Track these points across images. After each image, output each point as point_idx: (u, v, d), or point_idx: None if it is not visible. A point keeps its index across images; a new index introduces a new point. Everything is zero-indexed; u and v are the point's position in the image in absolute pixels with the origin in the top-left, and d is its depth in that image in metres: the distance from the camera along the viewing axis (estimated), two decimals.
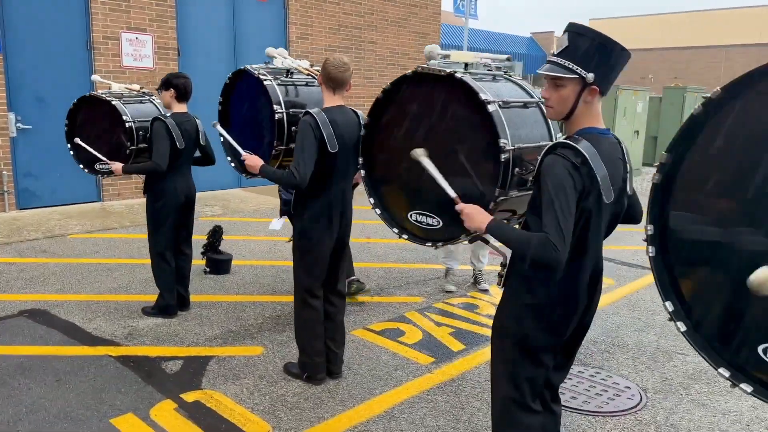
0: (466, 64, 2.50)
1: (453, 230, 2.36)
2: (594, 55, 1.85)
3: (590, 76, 1.86)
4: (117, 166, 4.19)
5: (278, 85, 3.41)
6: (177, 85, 4.21)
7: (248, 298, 4.99)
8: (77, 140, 4.18)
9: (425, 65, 2.45)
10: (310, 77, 3.53)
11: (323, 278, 3.50)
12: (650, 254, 1.83)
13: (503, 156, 2.17)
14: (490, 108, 2.19)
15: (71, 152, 4.35)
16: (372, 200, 2.68)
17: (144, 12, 8.49)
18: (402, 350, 4.10)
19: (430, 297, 5.15)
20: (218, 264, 5.52)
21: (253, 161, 3.31)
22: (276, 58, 3.67)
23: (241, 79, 3.62)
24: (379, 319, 4.64)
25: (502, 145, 2.16)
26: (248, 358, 3.93)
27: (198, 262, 5.57)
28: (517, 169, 2.22)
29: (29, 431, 3.01)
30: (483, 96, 2.20)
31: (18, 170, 7.58)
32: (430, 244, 2.48)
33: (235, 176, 9.37)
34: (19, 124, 7.48)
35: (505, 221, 2.33)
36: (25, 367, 3.66)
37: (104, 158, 4.22)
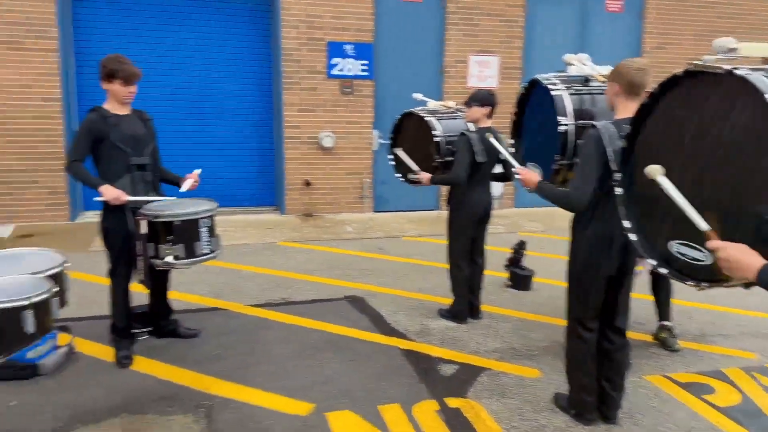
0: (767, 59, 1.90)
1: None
2: None
3: None
4: (426, 176, 4.56)
5: (570, 94, 3.19)
6: (494, 103, 4.35)
7: (540, 317, 4.81)
8: (396, 150, 4.68)
9: (700, 62, 1.96)
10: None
11: (598, 309, 3.14)
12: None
13: None
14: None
15: (392, 162, 4.91)
16: (627, 223, 2.28)
17: (493, 35, 8.99)
18: (706, 412, 3.38)
19: (766, 356, 4.11)
20: (519, 279, 5.46)
21: (528, 177, 3.17)
22: (573, 65, 3.45)
23: (535, 89, 3.51)
24: (687, 368, 3.91)
25: None
26: (521, 378, 3.79)
27: (501, 274, 5.63)
28: None
29: (316, 399, 3.50)
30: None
31: (377, 179, 8.89)
32: (692, 283, 1.97)
33: None
34: (380, 140, 8.77)
35: None
36: (333, 342, 4.27)
37: (417, 168, 4.62)
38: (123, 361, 3.85)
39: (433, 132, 4.50)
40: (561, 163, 3.18)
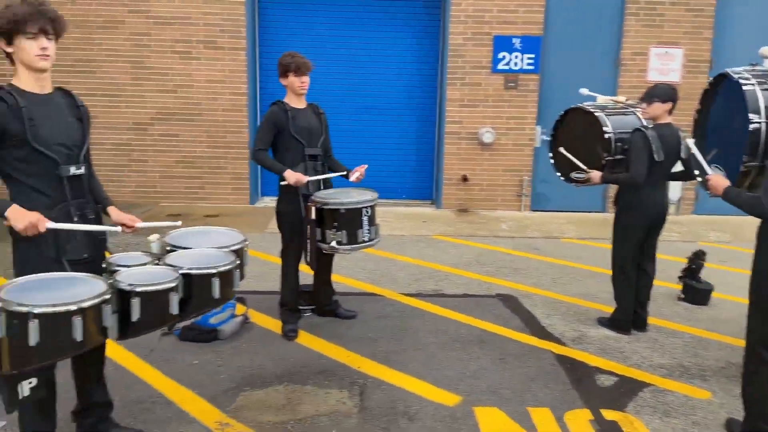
0: None
1: None
2: None
3: None
4: (596, 174, 4.29)
5: (763, 90, 2.84)
6: (676, 98, 4.03)
7: (717, 336, 4.35)
8: (561, 149, 4.48)
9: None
10: None
11: None
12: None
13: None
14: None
15: (551, 160, 4.71)
16: None
17: (678, 26, 8.25)
18: None
19: None
20: (695, 293, 4.97)
21: (717, 182, 2.88)
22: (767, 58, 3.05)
23: (721, 84, 3.17)
24: None
25: None
26: (689, 398, 3.47)
27: (673, 285, 5.19)
28: None
29: (464, 392, 3.51)
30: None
31: (536, 176, 8.63)
32: None
33: None
34: (543, 136, 8.48)
35: None
36: (482, 339, 4.25)
37: (584, 167, 4.39)
38: (289, 334, 4.18)
39: (604, 128, 4.25)
40: (749, 165, 2.85)
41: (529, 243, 6.94)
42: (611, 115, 4.35)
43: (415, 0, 8.60)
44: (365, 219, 3.82)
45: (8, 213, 2.27)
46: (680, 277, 5.11)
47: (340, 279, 5.16)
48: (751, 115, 2.80)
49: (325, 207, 3.80)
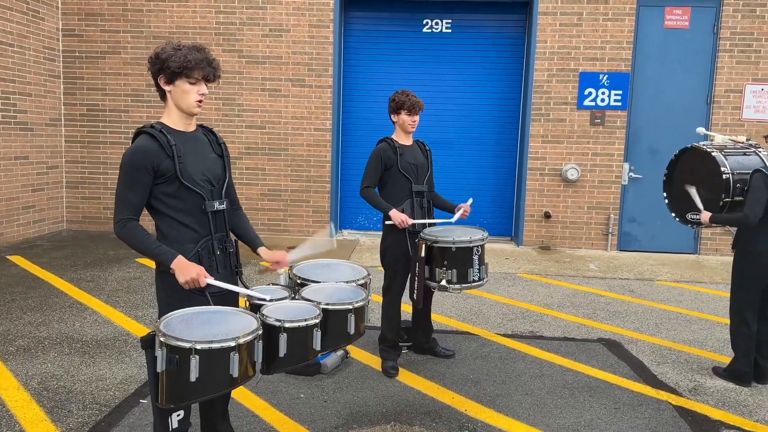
0: None
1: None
2: None
3: None
4: (706, 215, 4.11)
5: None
6: None
7: None
8: (687, 187, 4.25)
9: None
10: None
11: None
12: None
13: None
14: None
15: (666, 201, 4.53)
16: None
17: None
18: None
19: None
20: None
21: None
22: None
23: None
24: None
25: None
26: None
27: None
28: None
29: None
30: None
31: (624, 215, 8.37)
32: None
33: None
34: (631, 173, 8.25)
35: None
36: (592, 387, 4.07)
37: (701, 206, 4.20)
38: (390, 371, 4.13)
39: (722, 168, 4.08)
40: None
41: (623, 284, 6.69)
42: (730, 155, 4.17)
43: (499, 36, 8.65)
44: (476, 258, 3.78)
45: (173, 265, 2.37)
46: None
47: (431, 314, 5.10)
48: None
49: (436, 245, 3.78)
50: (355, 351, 4.50)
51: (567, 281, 6.76)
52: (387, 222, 3.95)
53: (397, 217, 3.90)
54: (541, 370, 4.31)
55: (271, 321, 2.28)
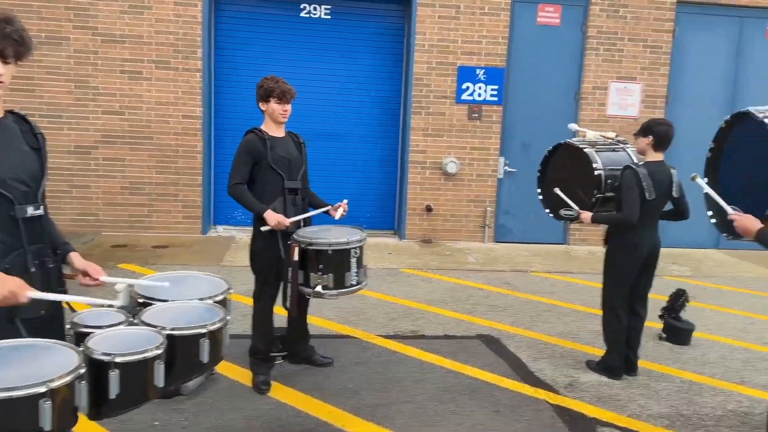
0: None
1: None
2: None
3: None
4: (587, 215, 4.12)
5: None
6: (657, 132, 3.93)
7: (707, 380, 4.23)
8: (557, 190, 4.27)
9: None
10: None
11: None
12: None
13: None
14: None
15: (540, 197, 4.55)
16: None
17: (636, 61, 8.42)
18: None
19: None
20: (677, 332, 4.89)
21: (747, 223, 2.72)
22: None
23: (741, 123, 3.07)
24: None
25: None
26: None
27: (653, 324, 5.08)
28: None
29: None
30: None
31: (500, 208, 8.53)
32: None
33: (712, 235, 8.30)
34: (506, 167, 8.42)
35: None
36: (473, 388, 3.96)
37: (575, 206, 4.23)
38: (262, 387, 3.77)
39: (594, 165, 4.12)
40: None
41: (500, 277, 6.76)
42: (601, 151, 4.23)
43: (379, 27, 8.43)
44: (353, 260, 3.50)
45: None
46: (661, 316, 5.02)
47: (309, 319, 4.77)
48: None
49: (310, 247, 3.45)
50: (222, 365, 4.07)
51: (448, 275, 6.72)
52: (263, 228, 3.54)
53: (273, 218, 3.52)
54: (423, 373, 4.15)
55: (97, 355, 1.85)
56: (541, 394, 3.92)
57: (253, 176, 3.69)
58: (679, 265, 7.64)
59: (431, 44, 8.10)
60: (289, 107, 3.73)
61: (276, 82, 3.66)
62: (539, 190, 4.56)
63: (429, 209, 8.36)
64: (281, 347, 4.17)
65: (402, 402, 3.73)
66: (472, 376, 4.15)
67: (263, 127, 3.76)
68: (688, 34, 8.47)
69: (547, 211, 4.50)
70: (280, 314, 3.95)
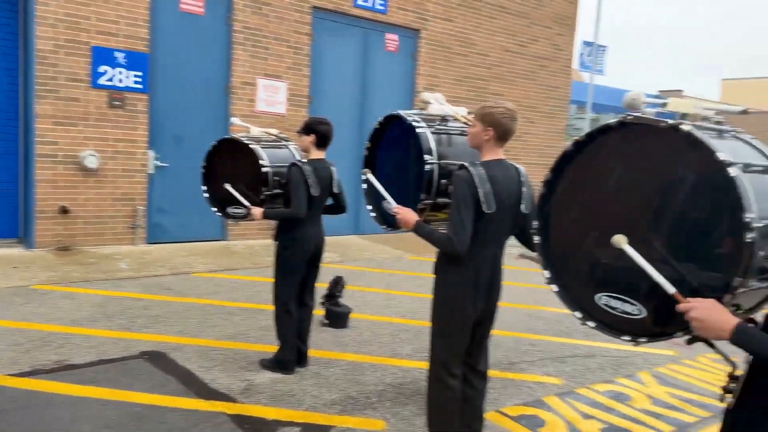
0: (684, 115, 2.02)
1: (665, 324, 1.84)
2: None
3: None
4: (257, 211, 4.05)
5: (432, 133, 3.08)
6: (319, 132, 4.06)
7: (367, 358, 4.62)
8: (227, 186, 4.03)
9: (633, 114, 2.00)
10: (466, 126, 3.18)
11: (463, 354, 3.05)
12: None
13: (749, 236, 1.65)
14: (732, 172, 1.68)
15: (205, 194, 4.28)
16: (548, 273, 2.22)
17: (282, 60, 8.72)
18: None
19: (570, 379, 4.51)
20: (337, 317, 5.22)
21: (406, 216, 2.97)
22: (431, 103, 3.37)
23: (391, 124, 3.34)
24: (513, 401, 4.07)
25: (747, 220, 1.65)
26: None
27: (316, 312, 5.33)
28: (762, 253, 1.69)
29: None
30: (721, 155, 1.70)
31: (152, 206, 7.86)
32: (628, 338, 1.96)
33: (351, 222, 9.24)
34: (157, 162, 7.79)
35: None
36: (140, 416, 3.48)
37: (248, 204, 4.08)
38: None
39: (261, 162, 4.04)
40: (426, 202, 3.04)
41: (159, 282, 6.21)
42: (266, 148, 4.18)
43: None
44: None
45: None
46: (322, 303, 5.29)
47: None
48: (426, 156, 2.99)
49: None
50: None
51: (96, 287, 5.85)
52: None
53: None
54: (78, 412, 3.46)
55: None
56: (218, 406, 3.68)
57: None
58: (329, 252, 8.25)
59: (57, 18, 6.91)
60: None
61: None
62: (204, 188, 4.27)
63: (65, 210, 7.17)
64: None
65: None
66: (137, 402, 3.64)
67: None
68: (325, 39, 9.17)
69: (215, 210, 4.25)
70: None
